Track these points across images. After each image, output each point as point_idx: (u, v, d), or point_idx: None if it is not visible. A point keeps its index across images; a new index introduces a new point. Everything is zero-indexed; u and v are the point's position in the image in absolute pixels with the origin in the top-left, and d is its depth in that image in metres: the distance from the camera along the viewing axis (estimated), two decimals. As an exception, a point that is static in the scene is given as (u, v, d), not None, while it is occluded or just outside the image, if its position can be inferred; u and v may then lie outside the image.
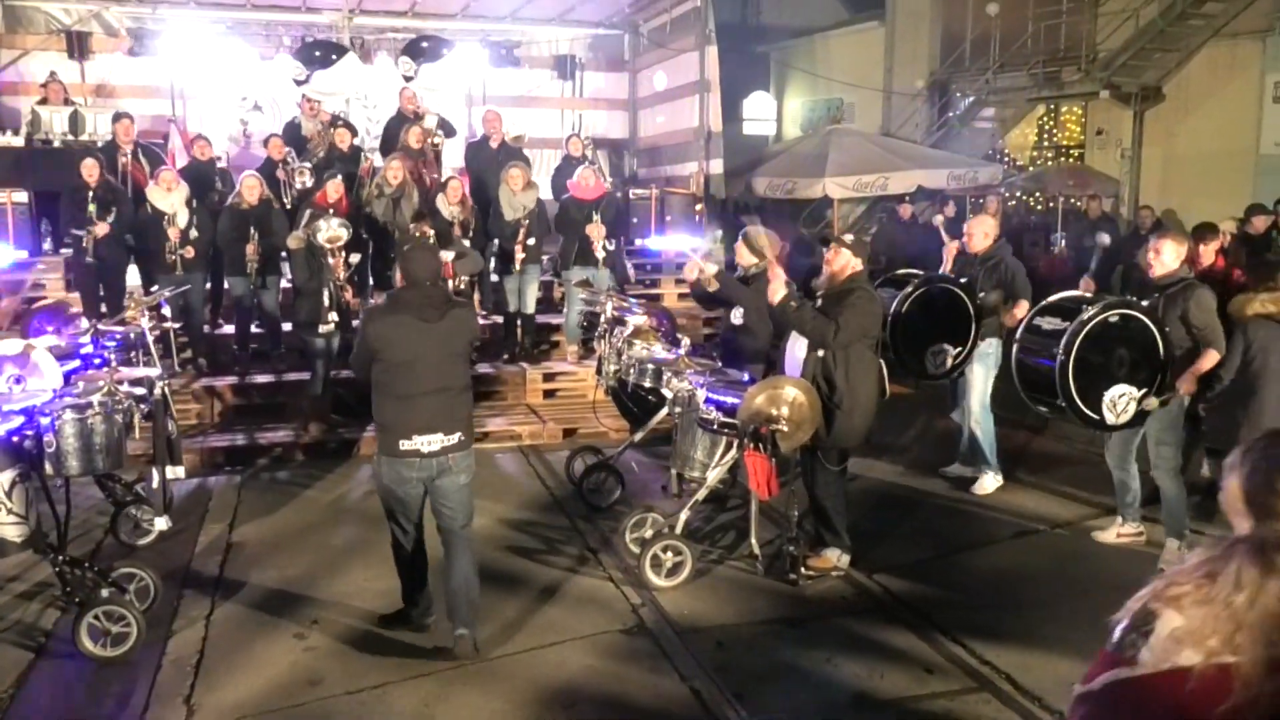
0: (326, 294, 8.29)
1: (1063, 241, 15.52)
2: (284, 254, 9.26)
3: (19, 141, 11.30)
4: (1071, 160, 18.24)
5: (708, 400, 5.97)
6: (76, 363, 6.31)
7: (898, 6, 20.76)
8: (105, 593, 5.07)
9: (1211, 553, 1.86)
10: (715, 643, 5.26)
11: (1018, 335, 6.50)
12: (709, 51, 12.36)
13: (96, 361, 6.36)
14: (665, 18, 13.54)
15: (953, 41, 19.63)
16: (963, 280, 7.14)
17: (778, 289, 5.85)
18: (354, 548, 6.44)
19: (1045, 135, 19.34)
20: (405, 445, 4.89)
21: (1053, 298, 6.43)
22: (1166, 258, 6.10)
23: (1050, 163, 18.73)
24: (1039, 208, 18.28)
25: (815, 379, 5.79)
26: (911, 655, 5.15)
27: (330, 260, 8.31)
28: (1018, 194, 17.90)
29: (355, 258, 8.58)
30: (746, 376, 6.29)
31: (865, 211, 16.99)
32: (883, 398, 6.07)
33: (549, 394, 9.82)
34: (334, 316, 8.29)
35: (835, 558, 6.08)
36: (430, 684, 4.83)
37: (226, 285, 9.76)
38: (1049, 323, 6.25)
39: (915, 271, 7.24)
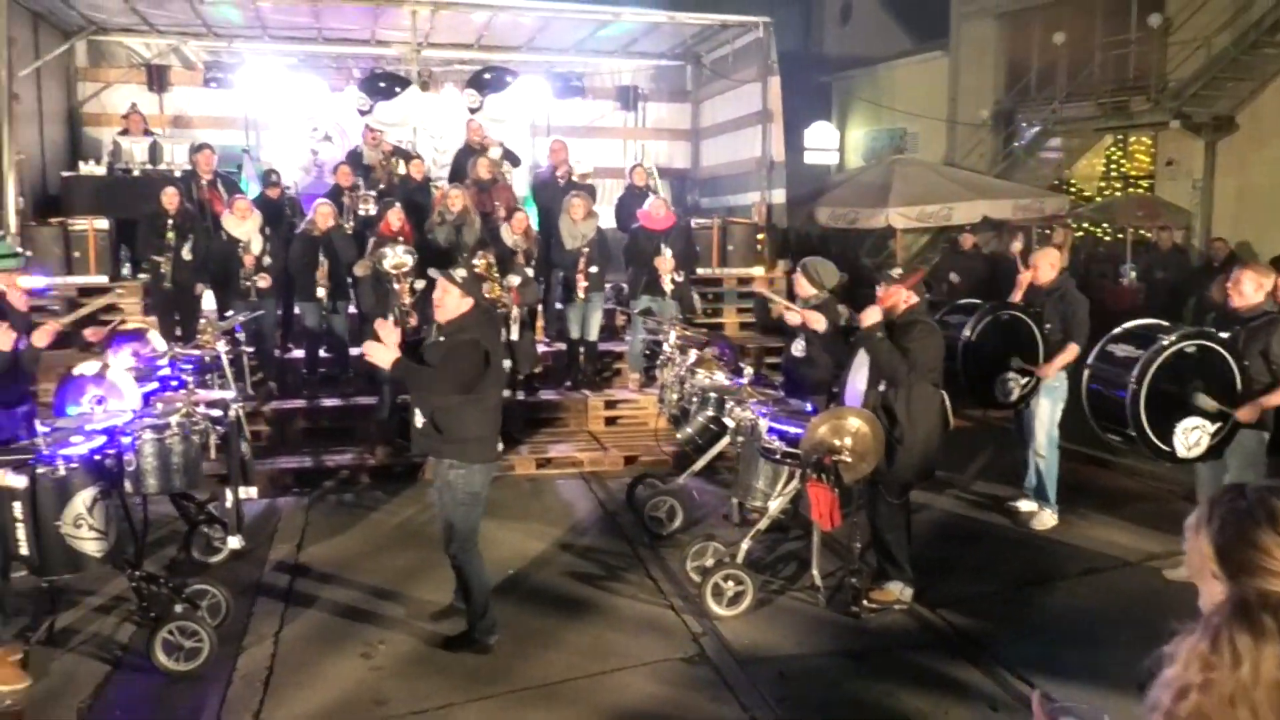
0: (392, 320, 8.43)
1: (1132, 273, 15.27)
2: (351, 280, 9.46)
3: (101, 171, 11.71)
4: (1141, 191, 17.95)
5: (770, 430, 5.98)
6: (155, 384, 6.50)
7: (962, 36, 20.70)
8: (179, 609, 5.22)
9: (1190, 639, 1.62)
10: (777, 673, 5.24)
11: (1089, 361, 6.41)
12: (771, 82, 12.39)
13: (174, 384, 6.54)
14: (728, 49, 13.60)
15: (1018, 71, 19.50)
16: (1031, 310, 7.09)
17: (873, 313, 5.84)
18: (418, 570, 6.52)
19: (1113, 166, 19.07)
20: (500, 447, 5.49)
21: (1129, 324, 6.33)
22: (1246, 289, 6.01)
23: (1119, 193, 18.45)
24: (1107, 239, 18.01)
25: (875, 411, 5.77)
26: (976, 691, 5.09)
27: (396, 286, 8.46)
28: (1084, 225, 17.66)
29: (421, 284, 8.73)
30: (810, 407, 6.28)
31: (929, 242, 16.87)
32: (946, 429, 6.03)
33: (611, 421, 9.88)
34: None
35: (898, 591, 6.03)
36: (493, 706, 4.88)
37: (297, 310, 9.98)
38: (1123, 350, 6.13)
39: (975, 301, 7.20)
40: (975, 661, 5.38)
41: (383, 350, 5.15)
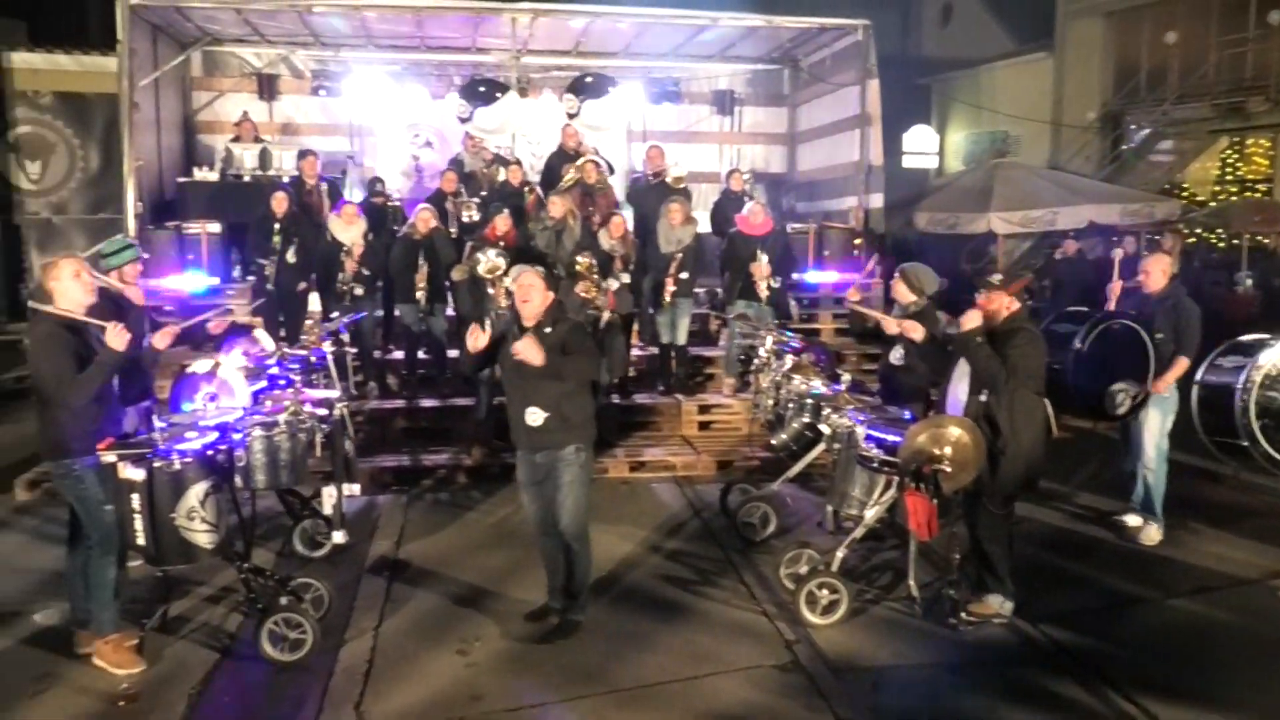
0: (487, 323, 8.55)
1: (1249, 280, 14.68)
2: (449, 283, 9.62)
3: (214, 176, 12.16)
4: (1258, 195, 17.23)
5: (868, 438, 5.90)
6: (264, 383, 6.70)
7: (1068, 36, 20.17)
8: (284, 601, 5.37)
9: None
10: (871, 684, 5.18)
11: (1198, 377, 6.21)
12: (870, 85, 12.23)
13: (282, 383, 6.74)
14: (826, 52, 13.50)
15: (1127, 71, 18.94)
16: (1141, 319, 6.87)
17: (973, 317, 5.73)
18: (514, 569, 6.60)
19: (1229, 169, 18.36)
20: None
21: (1237, 339, 6.13)
22: None
23: (1234, 198, 17.75)
24: (1221, 245, 17.34)
25: (977, 420, 5.65)
26: (1079, 710, 4.95)
27: (491, 290, 8.58)
28: (1197, 230, 17.04)
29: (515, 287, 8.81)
30: (908, 414, 6.18)
31: (1031, 247, 16.47)
32: (1049, 436, 5.87)
33: (704, 426, 9.86)
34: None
35: (998, 604, 5.90)
36: (587, 706, 4.92)
37: (396, 312, 10.19)
38: (1230, 360, 5.96)
39: (1082, 309, 7.01)
40: (1080, 679, 5.23)
41: (534, 350, 5.27)
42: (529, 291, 5.45)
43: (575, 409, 5.45)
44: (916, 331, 6.35)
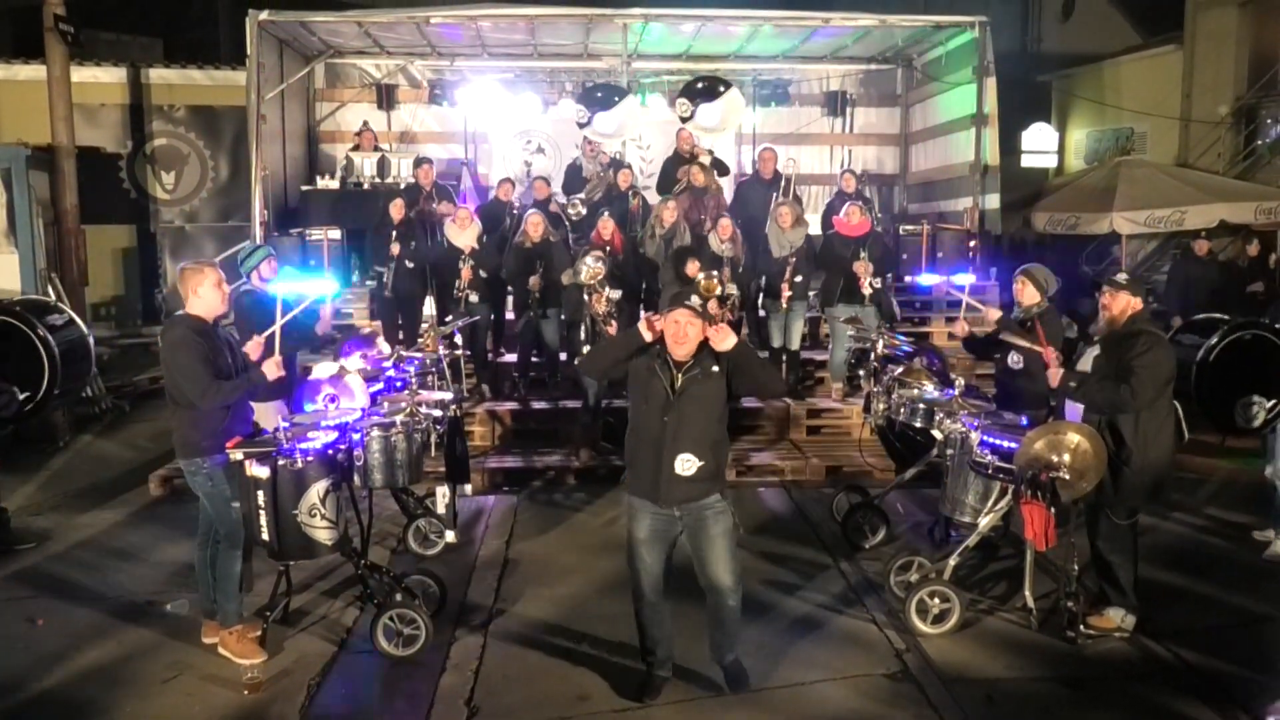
0: (582, 329, 8.67)
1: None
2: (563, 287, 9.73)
3: (335, 185, 12.58)
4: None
5: (982, 443, 5.76)
6: (381, 385, 6.90)
7: (1198, 27, 19.29)
8: (399, 597, 5.51)
9: None
10: (985, 696, 5.05)
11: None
12: (987, 83, 11.93)
13: (398, 385, 6.92)
14: (941, 51, 13.23)
15: (1263, 63, 18.01)
16: (1275, 328, 6.54)
17: (1055, 373, 5.61)
18: (620, 572, 6.56)
19: (1376, 164, 17.30)
20: None
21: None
22: None
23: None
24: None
25: (1100, 431, 5.46)
26: (1208, 730, 4.74)
27: (588, 297, 8.65)
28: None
29: (616, 294, 8.87)
30: (1024, 420, 6.00)
31: (1157, 248, 15.84)
32: (1181, 442, 5.64)
33: (812, 430, 9.77)
34: (588, 350, 8.62)
35: (1119, 618, 5.69)
36: (693, 709, 4.92)
37: (510, 316, 10.35)
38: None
39: (1220, 316, 6.70)
40: (1207, 700, 5.00)
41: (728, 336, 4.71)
42: (685, 329, 4.72)
43: (724, 455, 4.91)
44: (1056, 376, 5.90)
